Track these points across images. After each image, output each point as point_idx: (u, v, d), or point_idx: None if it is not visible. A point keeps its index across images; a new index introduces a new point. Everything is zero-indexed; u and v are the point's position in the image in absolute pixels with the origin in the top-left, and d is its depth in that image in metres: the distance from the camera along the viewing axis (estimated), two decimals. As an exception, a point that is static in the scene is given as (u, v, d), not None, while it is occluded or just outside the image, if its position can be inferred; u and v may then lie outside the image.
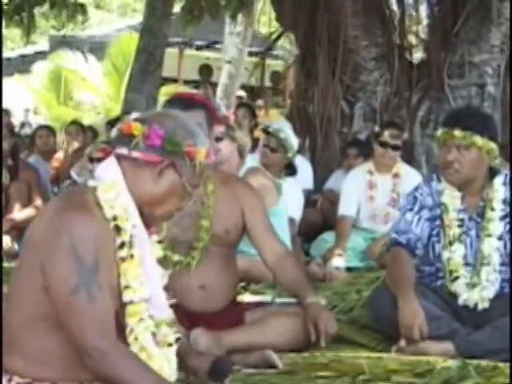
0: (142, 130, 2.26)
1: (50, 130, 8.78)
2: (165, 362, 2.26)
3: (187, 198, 2.32)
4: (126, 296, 2.21)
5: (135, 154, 2.27)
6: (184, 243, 3.49)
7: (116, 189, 2.23)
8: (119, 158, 2.28)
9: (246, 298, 4.14)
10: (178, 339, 2.35)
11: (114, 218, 2.20)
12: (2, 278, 3.83)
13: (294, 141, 5.62)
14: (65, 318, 2.12)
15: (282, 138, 5.53)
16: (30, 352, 2.16)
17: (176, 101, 3.53)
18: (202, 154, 2.28)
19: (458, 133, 3.74)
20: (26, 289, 2.18)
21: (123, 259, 2.21)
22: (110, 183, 2.24)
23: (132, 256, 2.21)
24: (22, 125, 15.62)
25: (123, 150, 2.27)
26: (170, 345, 2.31)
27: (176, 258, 3.47)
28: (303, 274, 3.68)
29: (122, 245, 2.21)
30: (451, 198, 3.85)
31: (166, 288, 2.38)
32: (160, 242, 2.38)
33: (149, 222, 2.29)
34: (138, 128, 2.26)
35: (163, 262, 3.33)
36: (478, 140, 3.74)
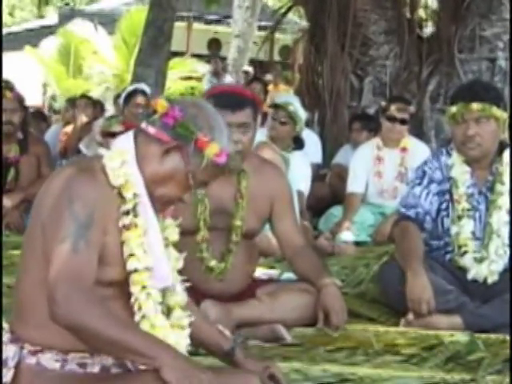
0: (165, 108, 2.26)
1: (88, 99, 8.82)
2: (170, 332, 2.26)
3: (189, 191, 2.28)
4: (131, 264, 2.21)
5: (150, 129, 2.27)
6: (212, 242, 3.43)
7: (122, 158, 2.23)
8: (138, 131, 2.29)
9: (256, 272, 4.14)
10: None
11: (118, 186, 2.21)
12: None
13: (302, 113, 5.62)
14: (49, 262, 2.11)
15: (290, 111, 5.53)
16: (39, 319, 2.17)
17: (223, 97, 3.33)
18: (213, 149, 2.24)
19: (476, 106, 3.71)
20: (31, 253, 2.20)
21: (126, 227, 2.21)
22: (117, 152, 2.25)
23: (136, 225, 2.21)
24: (53, 97, 15.66)
25: (143, 125, 2.28)
26: (183, 328, 2.31)
27: (212, 263, 3.43)
28: (319, 261, 3.63)
29: (125, 213, 2.21)
30: (461, 172, 3.84)
31: (181, 273, 2.38)
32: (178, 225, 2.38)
33: (151, 201, 2.28)
34: (162, 105, 2.27)
35: (199, 263, 3.34)
36: (496, 111, 3.72)
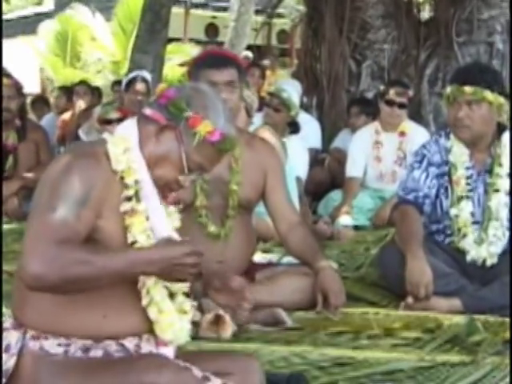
0: (162, 90, 2.28)
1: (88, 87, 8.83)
2: (176, 316, 2.27)
3: (184, 173, 2.26)
4: None
5: (147, 111, 2.28)
6: (210, 210, 3.47)
7: (125, 144, 2.23)
8: (141, 116, 2.30)
9: (255, 256, 4.15)
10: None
11: (120, 172, 2.21)
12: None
13: (296, 99, 5.63)
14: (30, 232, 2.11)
15: (284, 98, 5.56)
16: (41, 304, 2.18)
17: (208, 58, 3.47)
18: (206, 127, 2.22)
19: (468, 89, 3.72)
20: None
21: (128, 213, 2.21)
22: (120, 138, 2.25)
23: (137, 211, 2.21)
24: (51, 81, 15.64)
25: (143, 109, 2.30)
26: (186, 312, 2.32)
27: (212, 228, 3.45)
28: (314, 241, 3.65)
29: (127, 199, 2.21)
30: (459, 154, 3.85)
31: None
32: (180, 211, 2.37)
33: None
34: (160, 88, 2.28)
35: (200, 231, 3.37)
36: (489, 95, 3.72)
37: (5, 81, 5.87)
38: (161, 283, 2.23)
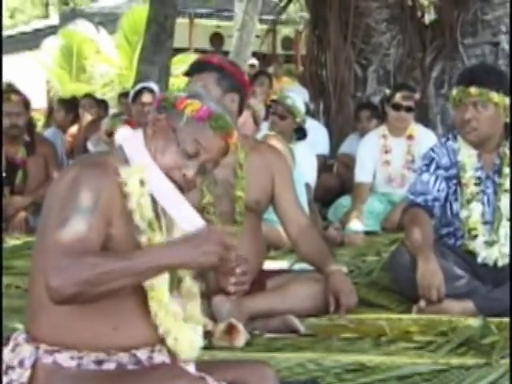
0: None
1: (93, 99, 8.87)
2: (188, 331, 2.26)
3: (185, 156, 2.23)
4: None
5: (148, 117, 2.30)
6: (219, 213, 3.47)
7: (140, 174, 2.20)
8: (145, 126, 2.32)
9: (266, 264, 4.15)
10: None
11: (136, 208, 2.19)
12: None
13: (301, 106, 5.63)
14: (47, 247, 2.10)
15: (288, 105, 5.57)
16: (53, 319, 2.17)
17: (192, 64, 3.55)
18: (193, 106, 2.23)
19: (474, 90, 3.72)
20: (42, 249, 2.18)
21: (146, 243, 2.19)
22: (135, 168, 2.21)
23: (154, 241, 2.19)
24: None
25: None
26: (194, 296, 2.31)
27: (219, 225, 3.45)
28: (324, 244, 3.66)
29: (142, 232, 2.18)
30: (468, 156, 3.84)
31: None
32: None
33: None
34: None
35: None
36: (495, 96, 3.72)
37: (12, 97, 5.93)
38: (169, 296, 2.23)
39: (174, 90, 2.40)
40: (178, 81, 15.07)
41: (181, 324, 2.24)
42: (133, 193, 2.18)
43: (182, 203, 2.25)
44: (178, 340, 2.22)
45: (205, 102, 2.26)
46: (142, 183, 2.19)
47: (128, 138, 2.32)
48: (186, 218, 2.24)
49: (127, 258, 2.09)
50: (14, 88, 6.22)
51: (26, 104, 6.01)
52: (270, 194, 3.58)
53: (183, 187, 2.27)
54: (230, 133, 2.29)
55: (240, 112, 3.55)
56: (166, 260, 2.11)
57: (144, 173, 2.20)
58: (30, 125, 6.21)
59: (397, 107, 5.76)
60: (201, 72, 3.44)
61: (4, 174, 5.89)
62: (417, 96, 5.93)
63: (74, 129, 8.46)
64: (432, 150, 3.94)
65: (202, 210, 3.41)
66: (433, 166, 3.88)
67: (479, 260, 3.78)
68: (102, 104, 9.17)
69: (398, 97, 5.77)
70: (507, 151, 3.83)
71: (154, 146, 2.25)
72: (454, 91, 3.82)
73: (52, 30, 18.00)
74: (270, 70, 12.37)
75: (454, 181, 3.86)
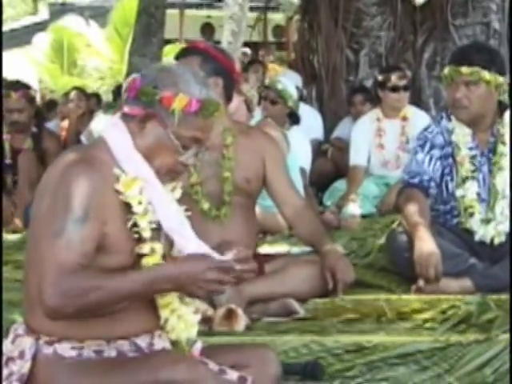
0: (129, 83, 2.24)
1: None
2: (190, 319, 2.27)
3: (181, 151, 2.21)
4: (140, 249, 2.21)
5: (125, 108, 2.24)
6: (206, 194, 3.49)
7: (139, 183, 2.18)
8: (123, 116, 2.25)
9: (263, 249, 4.16)
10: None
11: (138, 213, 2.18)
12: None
13: (292, 90, 5.63)
14: (40, 259, 2.10)
15: (279, 89, 5.57)
16: None
17: (179, 50, 3.59)
18: (181, 101, 2.18)
19: (465, 69, 3.72)
20: (35, 243, 2.18)
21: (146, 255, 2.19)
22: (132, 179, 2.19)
23: (155, 251, 2.18)
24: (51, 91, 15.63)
25: (123, 108, 2.27)
26: (190, 303, 2.31)
27: (206, 205, 3.47)
28: (320, 225, 3.70)
29: (143, 241, 2.18)
30: (462, 135, 3.84)
31: None
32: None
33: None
34: (127, 82, 2.25)
35: (198, 213, 3.37)
36: (486, 75, 3.72)
37: (12, 94, 6.07)
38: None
39: (141, 72, 2.27)
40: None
41: (178, 304, 2.24)
42: (133, 203, 2.16)
43: (180, 219, 2.24)
44: (178, 320, 2.22)
45: (189, 92, 2.20)
46: (140, 192, 2.18)
47: (109, 130, 2.25)
48: (184, 235, 2.23)
49: (126, 280, 2.10)
50: (13, 86, 6.29)
51: (29, 99, 6.11)
52: (262, 176, 3.58)
53: (179, 173, 2.26)
54: (220, 109, 2.26)
55: (229, 98, 3.54)
56: (166, 286, 2.13)
57: (141, 182, 2.18)
58: (38, 116, 6.34)
59: (394, 88, 5.75)
60: (185, 56, 3.46)
61: (9, 161, 6.04)
62: (409, 74, 5.93)
63: (65, 123, 8.44)
64: (426, 129, 3.95)
65: (189, 189, 3.41)
66: (427, 146, 3.88)
67: (476, 238, 3.79)
68: (95, 97, 9.14)
69: (393, 78, 5.77)
70: (501, 129, 3.83)
71: (144, 144, 2.21)
72: (446, 70, 3.82)
73: (42, 26, 17.93)
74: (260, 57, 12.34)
75: (449, 160, 3.86)
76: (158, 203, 2.20)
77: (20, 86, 6.26)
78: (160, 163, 2.22)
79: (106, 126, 2.28)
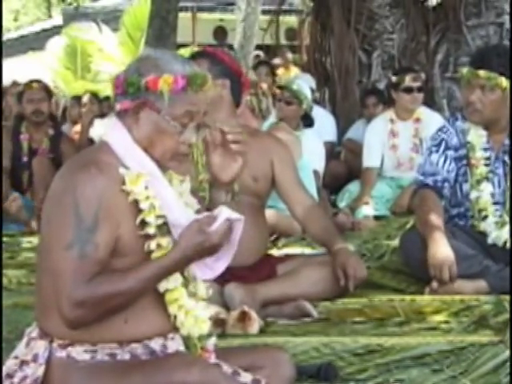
0: (113, 81, 2.23)
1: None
2: (199, 314, 2.26)
3: (180, 129, 2.20)
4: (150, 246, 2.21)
5: (117, 106, 2.23)
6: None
7: (144, 178, 2.18)
8: (117, 115, 2.25)
9: (276, 252, 4.16)
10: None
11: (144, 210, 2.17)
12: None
13: (307, 91, 5.62)
14: (54, 273, 2.11)
15: (294, 90, 5.56)
16: None
17: (188, 56, 3.62)
18: (166, 81, 2.16)
19: (483, 73, 3.70)
20: (47, 253, 2.17)
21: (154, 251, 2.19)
22: (136, 174, 2.18)
23: (162, 246, 2.18)
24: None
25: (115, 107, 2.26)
26: (202, 299, 2.31)
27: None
28: (332, 224, 3.71)
29: (150, 237, 2.18)
30: (477, 136, 3.82)
31: None
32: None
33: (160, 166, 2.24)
34: (112, 80, 2.24)
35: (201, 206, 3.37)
36: (503, 82, 3.70)
37: (34, 85, 6.23)
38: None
39: (126, 69, 2.25)
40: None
41: (186, 300, 2.23)
42: (140, 199, 2.16)
43: (187, 214, 2.23)
44: (186, 315, 2.22)
45: (172, 69, 2.19)
46: (146, 187, 2.17)
47: (109, 132, 2.24)
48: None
49: (139, 280, 2.12)
50: (35, 79, 6.45)
51: (48, 91, 6.22)
52: (270, 177, 3.59)
53: (184, 155, 2.24)
54: (208, 79, 2.24)
55: (237, 100, 3.55)
56: (179, 268, 2.18)
57: (147, 177, 2.18)
58: (53, 119, 6.44)
59: (408, 90, 5.75)
60: (194, 59, 3.46)
61: (26, 159, 6.14)
62: (423, 75, 5.92)
63: (78, 127, 8.46)
64: (441, 130, 3.93)
65: (197, 186, 3.41)
66: (442, 147, 3.86)
67: (489, 240, 3.77)
68: (106, 101, 9.14)
69: (407, 80, 5.77)
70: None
71: (142, 135, 2.20)
72: (464, 70, 3.80)
73: (56, 31, 18.01)
74: (277, 60, 12.34)
75: (464, 161, 3.85)
76: (163, 197, 2.20)
77: (39, 81, 6.44)
78: (163, 149, 2.21)
79: (104, 128, 2.27)
